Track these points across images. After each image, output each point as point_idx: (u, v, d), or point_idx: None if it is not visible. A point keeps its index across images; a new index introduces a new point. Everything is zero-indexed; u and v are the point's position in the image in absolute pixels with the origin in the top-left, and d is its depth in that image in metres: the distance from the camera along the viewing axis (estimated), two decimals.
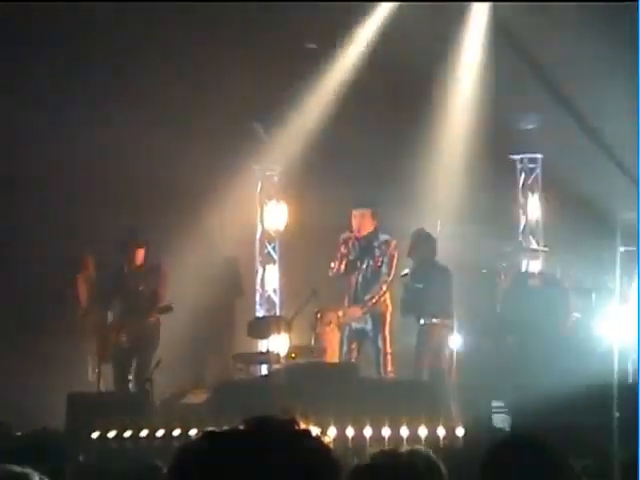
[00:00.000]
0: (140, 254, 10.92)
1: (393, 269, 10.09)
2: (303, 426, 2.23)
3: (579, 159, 13.32)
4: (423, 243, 11.16)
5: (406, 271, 11.07)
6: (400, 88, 13.69)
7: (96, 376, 10.90)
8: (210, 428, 2.27)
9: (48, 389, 11.23)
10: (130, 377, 10.87)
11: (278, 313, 14.08)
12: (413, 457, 3.24)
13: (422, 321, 10.96)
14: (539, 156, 14.75)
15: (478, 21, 14.28)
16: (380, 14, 14.22)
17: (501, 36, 13.85)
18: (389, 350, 9.96)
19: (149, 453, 7.94)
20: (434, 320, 10.88)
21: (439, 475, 3.26)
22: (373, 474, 3.22)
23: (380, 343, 9.96)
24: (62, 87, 13.06)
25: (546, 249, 13.71)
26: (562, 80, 13.72)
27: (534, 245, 14.33)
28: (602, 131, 13.18)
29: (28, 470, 2.94)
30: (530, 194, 14.83)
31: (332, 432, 7.81)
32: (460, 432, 8.22)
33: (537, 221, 14.76)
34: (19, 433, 8.66)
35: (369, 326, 10.03)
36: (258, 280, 15.08)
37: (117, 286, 10.91)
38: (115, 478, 4.87)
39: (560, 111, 13.85)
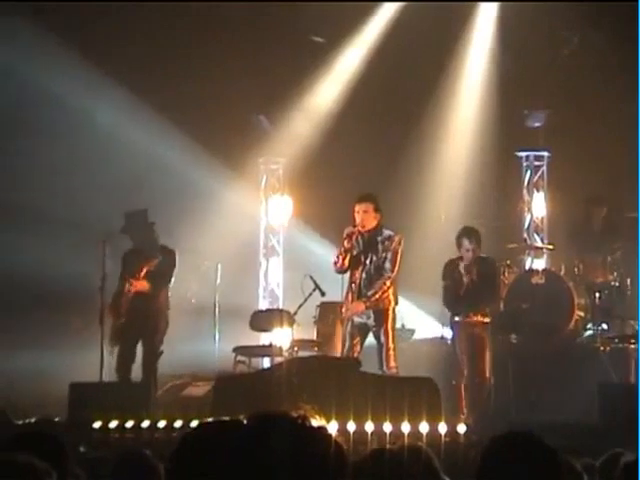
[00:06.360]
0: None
1: (397, 265, 10.05)
2: (308, 421, 2.21)
3: (585, 157, 13.30)
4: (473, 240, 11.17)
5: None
6: (406, 84, 13.67)
7: (99, 365, 10.90)
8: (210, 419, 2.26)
9: (51, 377, 11.23)
10: (132, 367, 10.87)
11: (281, 306, 14.07)
12: (410, 454, 3.23)
13: (459, 318, 10.92)
14: (545, 154, 14.72)
15: (485, 19, 14.26)
16: (387, 9, 14.21)
17: (508, 34, 13.82)
18: (391, 345, 9.93)
19: (150, 444, 7.93)
20: (479, 317, 10.85)
21: (435, 473, 3.25)
22: (372, 470, 3.21)
23: (383, 338, 9.93)
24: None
25: (550, 247, 13.68)
26: (569, 79, 13.69)
27: (539, 243, 14.31)
28: (608, 130, 13.15)
29: (32, 459, 2.94)
30: (535, 191, 14.80)
31: (333, 427, 7.79)
32: (462, 429, 8.20)
33: (542, 219, 14.74)
34: (20, 422, 8.66)
35: (372, 321, 10.00)
36: (262, 273, 15.07)
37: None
38: (106, 467, 4.85)
39: (567, 109, 13.83)
